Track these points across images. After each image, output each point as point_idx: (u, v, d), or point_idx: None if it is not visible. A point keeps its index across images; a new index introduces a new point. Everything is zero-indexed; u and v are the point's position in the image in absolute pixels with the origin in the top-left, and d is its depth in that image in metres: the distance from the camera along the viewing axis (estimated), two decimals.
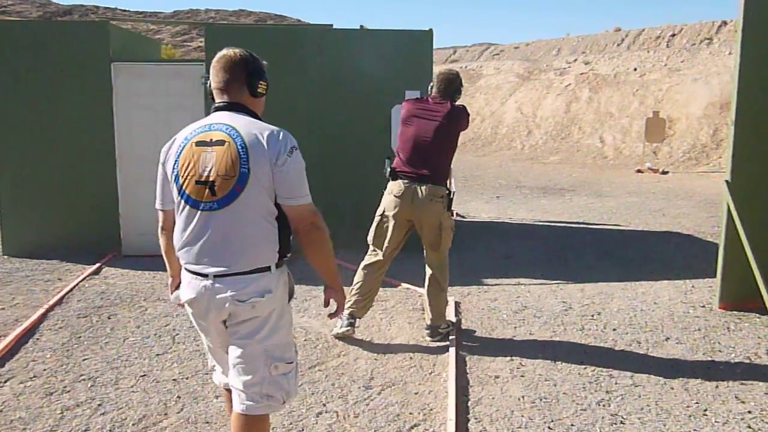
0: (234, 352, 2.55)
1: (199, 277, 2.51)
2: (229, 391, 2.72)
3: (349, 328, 4.82)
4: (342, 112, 7.48)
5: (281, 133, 2.48)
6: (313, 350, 4.61)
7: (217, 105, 2.58)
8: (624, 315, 5.38)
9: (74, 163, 7.25)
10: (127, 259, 7.20)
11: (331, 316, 2.83)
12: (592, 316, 5.36)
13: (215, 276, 2.48)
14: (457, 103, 4.81)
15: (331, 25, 7.48)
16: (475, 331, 5.01)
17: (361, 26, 7.65)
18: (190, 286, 2.56)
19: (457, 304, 5.62)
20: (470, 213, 10.60)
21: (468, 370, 4.28)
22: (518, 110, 24.24)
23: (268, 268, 2.51)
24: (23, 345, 4.67)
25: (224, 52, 2.60)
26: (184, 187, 2.49)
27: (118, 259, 7.16)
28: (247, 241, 2.47)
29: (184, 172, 2.49)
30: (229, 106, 2.55)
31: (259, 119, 2.59)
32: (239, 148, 2.41)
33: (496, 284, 6.33)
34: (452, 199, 4.80)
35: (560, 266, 7.03)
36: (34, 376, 4.15)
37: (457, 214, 10.24)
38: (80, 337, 4.85)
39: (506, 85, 26.36)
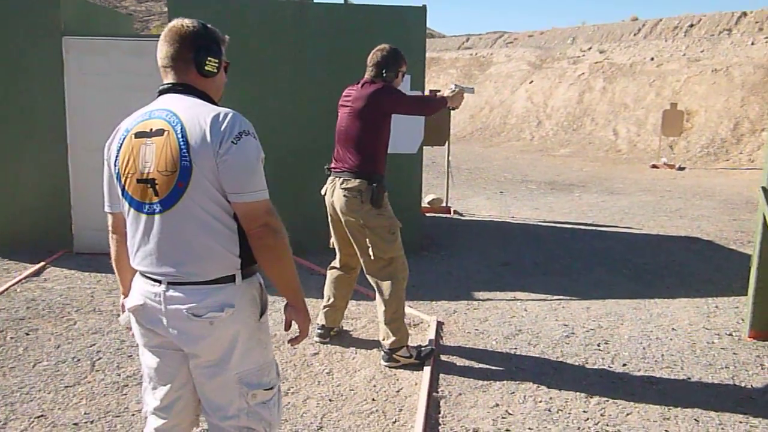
0: (202, 383, 2.13)
1: (151, 281, 2.09)
2: None
3: (318, 339, 4.43)
4: (321, 97, 6.63)
5: (228, 116, 2.02)
6: None
7: (161, 87, 2.14)
8: (636, 345, 4.53)
9: (21, 148, 6.47)
10: (79, 257, 6.42)
11: (292, 342, 2.24)
12: (598, 345, 4.51)
13: (169, 283, 2.05)
14: (395, 81, 4.31)
15: None
16: (455, 364, 4.17)
17: (346, 1, 6.78)
18: (139, 291, 2.12)
19: (439, 325, 4.79)
20: (470, 210, 9.75)
21: (441, 420, 3.46)
22: (529, 100, 23.26)
23: (232, 279, 2.07)
24: None
25: (173, 23, 2.14)
26: (126, 188, 2.09)
27: (67, 258, 6.38)
28: (200, 247, 2.03)
29: (125, 170, 2.08)
30: (173, 88, 2.12)
31: (212, 102, 2.14)
32: (179, 137, 1.98)
33: (488, 299, 5.49)
34: (378, 193, 4.10)
35: (564, 278, 6.18)
36: None
37: (455, 212, 9.40)
38: None
39: (517, 73, 25.36)
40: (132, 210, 2.10)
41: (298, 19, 6.51)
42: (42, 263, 6.11)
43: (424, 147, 7.00)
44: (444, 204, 9.54)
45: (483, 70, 26.77)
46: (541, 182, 13.14)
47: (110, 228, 2.28)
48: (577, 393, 3.79)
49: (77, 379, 3.81)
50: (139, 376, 3.83)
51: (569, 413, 3.55)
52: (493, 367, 4.12)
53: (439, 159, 13.47)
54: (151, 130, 2.05)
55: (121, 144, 2.11)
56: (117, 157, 2.11)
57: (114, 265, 2.34)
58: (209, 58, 2.12)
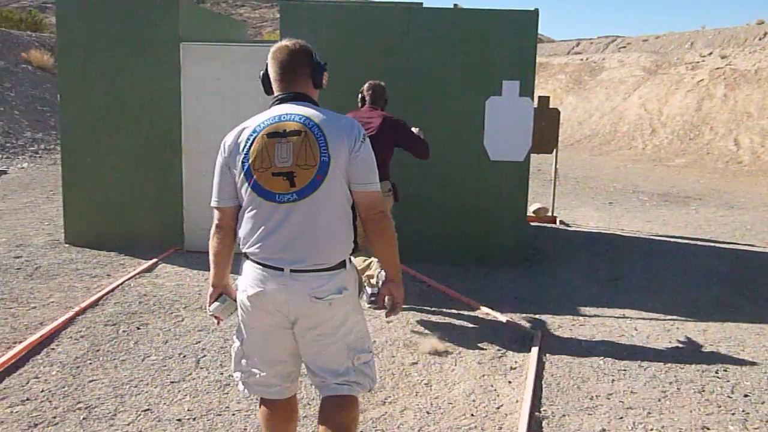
0: (317, 352, 2.46)
1: (273, 270, 2.36)
2: (268, 401, 2.57)
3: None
4: (429, 104, 6.58)
5: (353, 121, 2.47)
6: None
7: (281, 96, 2.49)
8: (760, 374, 4.17)
9: (139, 151, 6.78)
10: (189, 255, 6.66)
11: (388, 313, 2.60)
12: (716, 372, 4.19)
13: (292, 270, 2.35)
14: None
15: (421, 3, 6.57)
16: (559, 382, 3.98)
17: (455, 5, 6.69)
18: (257, 280, 2.39)
19: (543, 340, 4.60)
20: (576, 221, 9.40)
21: None
22: (642, 107, 22.27)
23: (344, 264, 2.43)
24: (34, 356, 4.13)
25: (285, 43, 2.51)
26: (258, 181, 2.37)
27: (179, 255, 6.63)
28: (327, 234, 2.38)
29: (258, 165, 2.36)
30: (295, 97, 2.47)
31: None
32: (317, 137, 2.35)
33: (595, 315, 5.24)
34: (399, 190, 5.33)
35: (679, 296, 5.82)
36: (27, 399, 3.56)
37: (561, 222, 9.09)
38: (98, 350, 4.25)
39: (630, 79, 24.37)
40: (262, 201, 2.36)
41: (407, 23, 6.47)
42: (155, 260, 6.37)
43: (531, 155, 6.79)
44: (550, 213, 9.25)
45: (594, 76, 25.91)
46: (654, 194, 12.52)
47: (216, 222, 2.52)
48: (692, 423, 3.52)
49: (183, 376, 3.91)
50: None
51: None
52: (601, 389, 3.90)
53: (545, 167, 13.11)
54: (285, 131, 2.36)
55: (251, 142, 2.38)
56: (246, 154, 2.37)
57: (213, 258, 2.55)
58: (324, 73, 2.52)
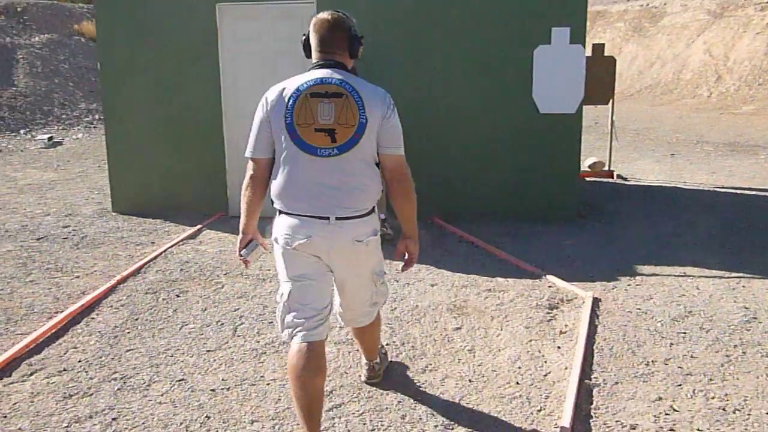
0: (356, 283, 2.86)
1: (319, 220, 2.64)
2: (314, 347, 2.67)
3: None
4: (472, 55, 6.27)
5: (386, 93, 2.74)
6: (395, 357, 3.62)
7: (321, 63, 2.73)
8: None
9: (180, 115, 6.70)
10: (233, 220, 6.56)
11: (404, 267, 2.91)
12: None
13: (337, 218, 2.64)
14: None
15: None
16: (612, 347, 3.74)
17: None
18: (301, 229, 2.65)
19: (595, 302, 4.35)
20: (635, 174, 8.97)
21: (593, 412, 3.08)
22: (707, 52, 21.14)
23: (372, 210, 2.76)
24: (74, 326, 4.11)
25: (326, 16, 2.74)
26: (301, 136, 2.61)
27: (223, 221, 6.58)
28: (362, 185, 2.67)
29: (302, 121, 2.61)
30: (334, 64, 2.72)
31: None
32: (357, 100, 2.63)
33: (653, 274, 4.94)
34: None
35: (744, 253, 5.44)
36: (64, 370, 3.54)
37: (618, 176, 8.68)
38: (137, 319, 4.22)
39: (694, 23, 23.13)
40: (304, 154, 2.62)
41: None
42: (199, 226, 6.33)
43: (585, 106, 6.43)
44: (606, 168, 8.84)
45: (654, 22, 24.71)
46: (720, 143, 11.87)
47: (251, 172, 2.76)
48: (759, 390, 3.24)
49: (219, 344, 3.83)
50: (276, 343, 3.80)
51: (748, 414, 3.03)
52: (657, 354, 3.64)
53: (602, 119, 12.58)
54: (327, 92, 2.63)
55: (296, 100, 2.63)
56: (291, 110, 2.63)
57: (245, 207, 2.80)
58: (360, 46, 2.78)
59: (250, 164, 2.74)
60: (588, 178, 8.64)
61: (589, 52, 7.29)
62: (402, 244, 2.85)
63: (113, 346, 3.83)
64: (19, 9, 17.48)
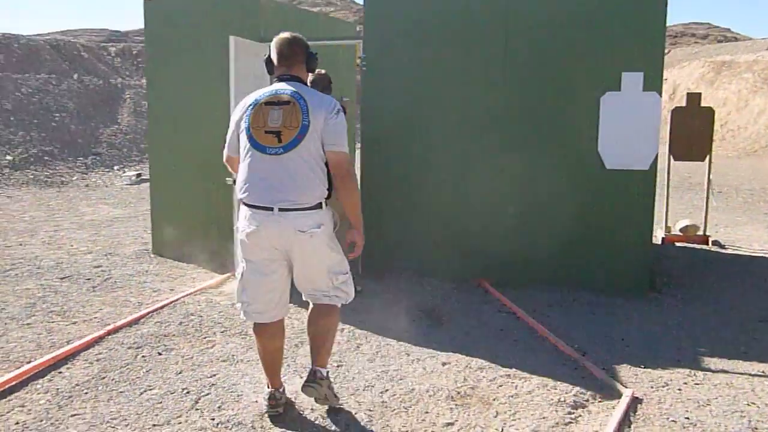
0: (305, 273, 3.25)
1: (264, 210, 3.07)
2: (264, 325, 3.31)
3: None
4: (530, 102, 5.60)
5: (332, 99, 3.24)
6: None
7: (281, 76, 3.27)
8: None
9: (220, 159, 6.40)
10: None
11: (351, 255, 3.29)
12: None
13: (280, 209, 3.06)
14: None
15: None
16: None
17: None
18: (252, 219, 3.10)
19: (633, 403, 3.51)
20: (737, 242, 7.82)
21: None
22: None
23: (320, 206, 3.15)
24: (37, 379, 3.76)
25: (286, 35, 3.28)
26: (254, 136, 3.12)
27: None
28: (305, 181, 3.09)
29: (255, 125, 3.14)
30: (291, 78, 3.25)
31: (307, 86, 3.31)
32: (302, 107, 3.12)
33: (721, 371, 4.01)
34: None
35: None
36: None
37: (714, 243, 7.59)
38: (104, 377, 3.81)
39: None
40: (256, 152, 3.11)
41: (505, 7, 5.55)
42: (228, 274, 5.96)
43: (680, 162, 5.58)
44: (701, 232, 7.76)
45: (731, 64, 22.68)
46: None
47: (226, 164, 3.39)
48: None
49: (169, 417, 3.34)
50: (230, 424, 3.26)
51: None
52: None
53: (715, 177, 11.35)
54: (279, 101, 3.14)
55: (254, 107, 3.17)
56: (249, 115, 3.16)
57: None
58: (315, 61, 3.34)
59: (227, 158, 3.35)
60: (678, 243, 7.61)
61: (682, 100, 6.42)
62: (349, 234, 3.25)
63: (61, 408, 3.44)
64: (134, 52, 18.43)
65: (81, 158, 13.71)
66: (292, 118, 3.07)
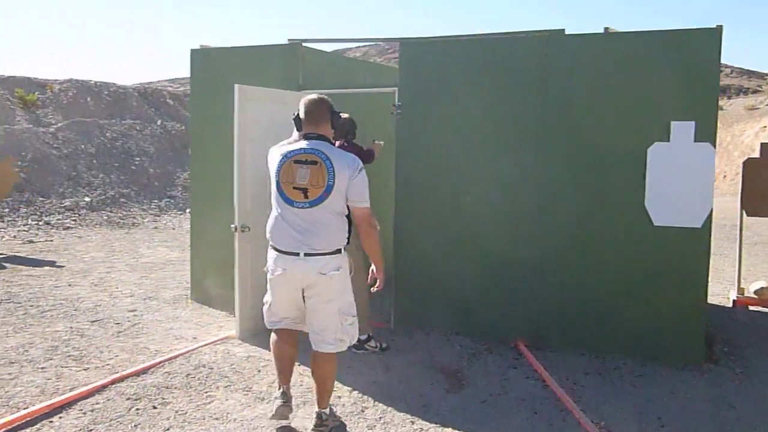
0: (317, 310, 3.61)
1: (292, 255, 3.52)
2: (285, 332, 3.79)
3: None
4: (575, 152, 5.24)
5: (356, 158, 3.62)
6: None
7: (309, 134, 3.63)
8: None
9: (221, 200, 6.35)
10: None
11: (373, 288, 3.79)
12: None
13: (305, 254, 3.50)
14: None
15: (563, 29, 5.31)
16: None
17: (606, 28, 5.30)
18: (279, 262, 3.57)
19: None
20: None
21: None
22: None
23: (339, 251, 3.60)
24: (24, 428, 3.70)
25: (313, 96, 3.68)
26: (284, 190, 3.55)
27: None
28: (327, 230, 3.53)
29: (284, 179, 3.54)
30: (318, 136, 3.62)
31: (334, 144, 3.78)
32: (328, 167, 3.49)
33: None
34: None
35: None
36: None
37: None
38: (91, 430, 3.71)
39: None
40: (285, 204, 3.54)
41: (544, 55, 5.27)
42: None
43: (752, 217, 5.06)
44: None
45: None
46: None
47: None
48: None
49: None
50: None
51: None
52: None
53: None
54: (307, 160, 3.51)
55: (282, 164, 3.55)
56: (279, 171, 3.55)
57: None
58: (338, 120, 3.70)
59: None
60: (751, 307, 6.92)
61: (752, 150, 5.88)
62: (371, 275, 3.74)
63: None
64: None
65: (155, 201, 14.16)
66: (319, 178, 3.45)
